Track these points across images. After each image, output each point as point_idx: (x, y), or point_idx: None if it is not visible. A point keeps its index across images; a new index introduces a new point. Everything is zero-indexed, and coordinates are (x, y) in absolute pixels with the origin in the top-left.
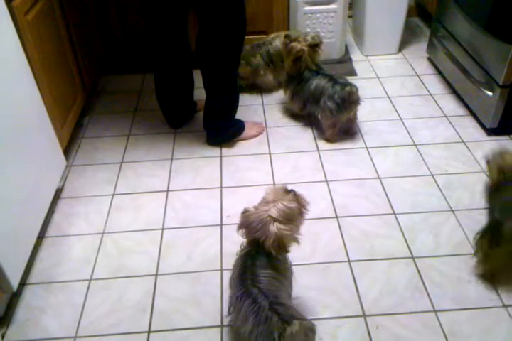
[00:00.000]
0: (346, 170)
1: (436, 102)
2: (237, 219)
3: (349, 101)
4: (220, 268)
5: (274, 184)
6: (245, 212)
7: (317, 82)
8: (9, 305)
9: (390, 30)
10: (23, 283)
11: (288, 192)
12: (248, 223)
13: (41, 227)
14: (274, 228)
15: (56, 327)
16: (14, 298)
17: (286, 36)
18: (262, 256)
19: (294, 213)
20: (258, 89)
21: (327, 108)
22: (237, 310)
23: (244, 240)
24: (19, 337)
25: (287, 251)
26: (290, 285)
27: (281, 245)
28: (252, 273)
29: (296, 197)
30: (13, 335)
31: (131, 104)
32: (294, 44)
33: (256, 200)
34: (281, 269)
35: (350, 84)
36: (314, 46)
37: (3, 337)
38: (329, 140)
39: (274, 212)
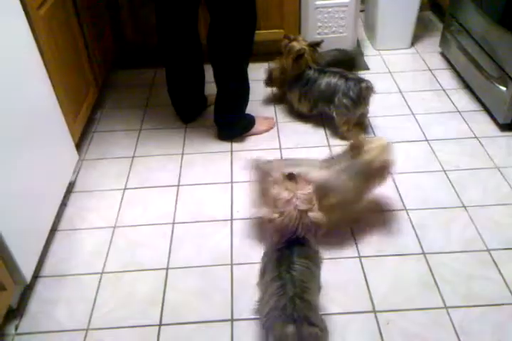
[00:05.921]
0: None
1: (448, 97)
2: (246, 214)
3: (364, 96)
4: (230, 262)
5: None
6: (273, 220)
7: (327, 81)
8: (22, 298)
9: (402, 25)
10: (35, 276)
11: (291, 178)
12: (284, 228)
13: (54, 221)
14: (310, 218)
15: (68, 320)
16: (27, 290)
17: (286, 36)
18: (298, 246)
19: (312, 194)
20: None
21: (342, 104)
22: (264, 291)
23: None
24: (32, 328)
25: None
26: (319, 272)
27: (319, 227)
28: (288, 260)
29: (302, 179)
30: (26, 327)
31: (142, 98)
32: (293, 43)
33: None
34: (313, 257)
35: (364, 80)
36: (315, 45)
37: (16, 328)
38: (345, 136)
39: (301, 205)
